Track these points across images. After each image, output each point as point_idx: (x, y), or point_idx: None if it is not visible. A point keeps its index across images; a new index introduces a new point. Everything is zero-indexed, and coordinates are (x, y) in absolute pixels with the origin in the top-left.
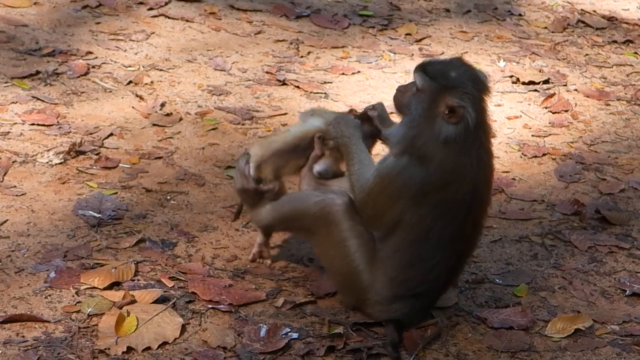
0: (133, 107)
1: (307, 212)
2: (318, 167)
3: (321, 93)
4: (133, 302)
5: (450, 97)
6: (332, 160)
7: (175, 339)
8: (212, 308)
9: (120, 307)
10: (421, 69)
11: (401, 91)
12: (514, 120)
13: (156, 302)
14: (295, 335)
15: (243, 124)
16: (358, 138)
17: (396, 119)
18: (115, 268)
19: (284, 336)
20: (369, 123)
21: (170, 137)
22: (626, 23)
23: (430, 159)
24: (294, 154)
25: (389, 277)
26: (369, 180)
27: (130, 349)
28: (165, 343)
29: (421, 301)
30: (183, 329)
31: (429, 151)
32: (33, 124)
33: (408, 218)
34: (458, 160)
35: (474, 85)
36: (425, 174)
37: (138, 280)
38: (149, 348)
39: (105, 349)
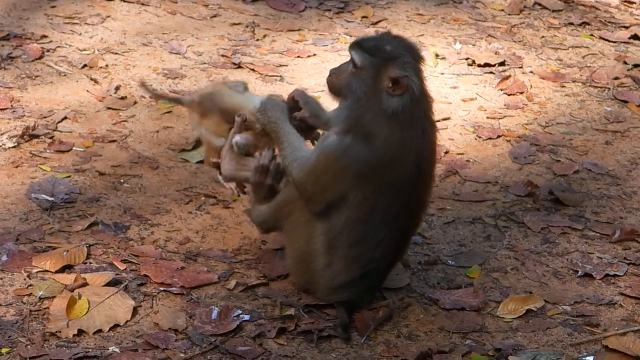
0: (88, 91)
1: (293, 196)
2: (237, 138)
3: (277, 76)
4: (85, 285)
5: (392, 69)
6: (252, 137)
7: (127, 321)
8: (164, 291)
9: (72, 291)
10: (357, 46)
11: (336, 74)
12: (469, 103)
13: (108, 285)
14: (247, 317)
15: None
16: (285, 121)
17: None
18: (68, 251)
19: (235, 318)
20: (298, 110)
21: (125, 121)
22: (583, 5)
23: (376, 135)
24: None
25: (342, 256)
26: (310, 159)
27: (81, 332)
28: (116, 326)
29: (370, 281)
30: (135, 311)
31: (375, 128)
32: None
33: (353, 196)
34: (404, 133)
35: (412, 56)
36: (371, 152)
37: (90, 263)
38: (100, 331)
39: (57, 332)
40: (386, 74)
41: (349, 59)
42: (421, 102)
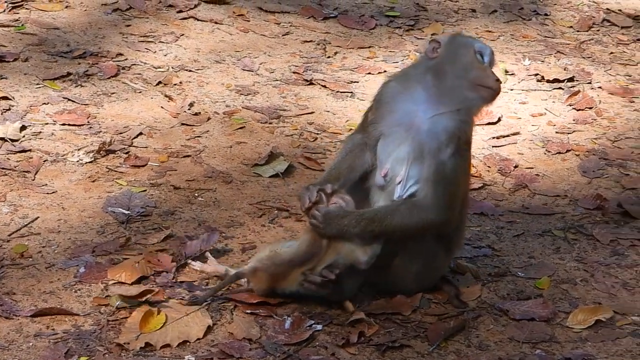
0: (162, 107)
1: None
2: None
3: (348, 92)
4: (167, 299)
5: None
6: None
7: (198, 339)
8: (238, 301)
9: (151, 304)
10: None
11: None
12: (538, 118)
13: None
14: (319, 327)
15: (270, 123)
16: (355, 212)
17: None
18: (138, 263)
19: (308, 328)
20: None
21: (199, 136)
22: None
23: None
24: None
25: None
26: (440, 192)
27: (148, 345)
28: (185, 342)
29: None
30: (209, 330)
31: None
32: (64, 124)
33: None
34: None
35: None
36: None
37: (165, 275)
38: (168, 345)
39: (125, 343)
40: None
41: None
42: None
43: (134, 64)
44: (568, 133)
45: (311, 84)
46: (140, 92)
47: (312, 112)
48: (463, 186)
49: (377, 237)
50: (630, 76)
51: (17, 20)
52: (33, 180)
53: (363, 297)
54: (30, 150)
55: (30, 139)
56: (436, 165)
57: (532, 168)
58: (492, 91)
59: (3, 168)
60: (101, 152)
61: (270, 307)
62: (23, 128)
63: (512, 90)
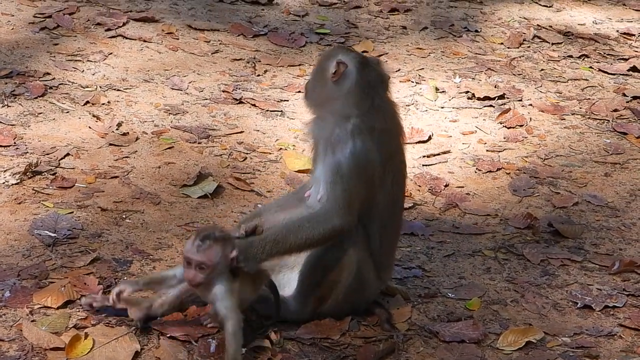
0: (90, 127)
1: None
2: None
3: (277, 111)
4: (96, 324)
5: (335, 59)
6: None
7: None
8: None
9: (79, 328)
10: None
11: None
12: (468, 136)
13: (117, 324)
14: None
15: (199, 143)
16: (262, 235)
17: None
18: (64, 287)
19: None
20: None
21: (127, 157)
22: (582, 38)
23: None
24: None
25: (386, 251)
26: (339, 193)
27: None
28: None
29: None
30: (136, 355)
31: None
32: None
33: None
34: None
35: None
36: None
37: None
38: None
39: None
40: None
41: None
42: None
43: (62, 84)
44: (499, 151)
45: (241, 102)
46: (67, 112)
47: (241, 132)
48: (368, 186)
49: (289, 255)
50: (560, 93)
51: None
52: None
53: (289, 324)
54: None
55: None
56: (333, 165)
57: (462, 187)
58: None
59: None
60: (27, 173)
61: (194, 334)
62: None
63: (442, 108)
